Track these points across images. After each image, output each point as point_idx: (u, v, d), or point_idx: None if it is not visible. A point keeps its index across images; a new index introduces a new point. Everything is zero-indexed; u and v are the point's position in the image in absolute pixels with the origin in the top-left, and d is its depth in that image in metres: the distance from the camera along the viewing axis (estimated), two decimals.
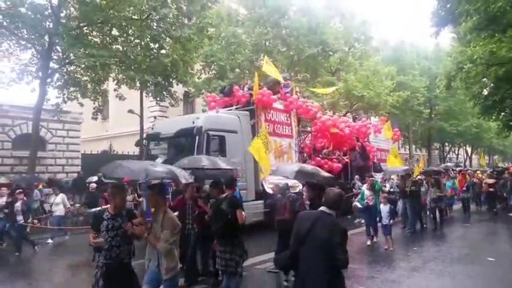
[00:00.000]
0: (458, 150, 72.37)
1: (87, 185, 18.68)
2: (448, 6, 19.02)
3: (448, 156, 66.69)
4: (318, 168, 11.37)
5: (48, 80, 20.48)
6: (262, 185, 15.70)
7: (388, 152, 22.01)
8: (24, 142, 23.36)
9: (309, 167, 10.94)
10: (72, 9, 21.57)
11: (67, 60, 21.12)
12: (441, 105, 48.50)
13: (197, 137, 14.00)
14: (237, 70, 29.99)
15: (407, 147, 53.60)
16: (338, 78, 34.04)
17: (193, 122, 14.47)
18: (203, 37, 24.47)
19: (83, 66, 20.37)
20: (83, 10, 19.96)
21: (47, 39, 19.59)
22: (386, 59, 42.38)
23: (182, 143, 14.80)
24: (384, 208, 12.91)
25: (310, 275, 4.41)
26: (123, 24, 21.02)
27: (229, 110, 16.81)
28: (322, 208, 4.69)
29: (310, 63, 32.57)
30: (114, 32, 21.91)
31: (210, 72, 30.15)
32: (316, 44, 31.37)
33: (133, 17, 21.34)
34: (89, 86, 22.61)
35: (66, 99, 22.29)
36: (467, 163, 62.89)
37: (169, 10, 20.94)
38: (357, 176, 19.39)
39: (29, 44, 19.86)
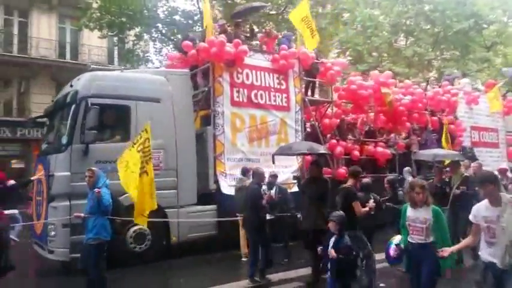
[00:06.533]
0: None
1: None
2: None
3: None
4: None
5: None
6: (216, 182, 8.92)
7: (495, 131, 13.55)
8: None
9: None
10: (216, 11, 20.08)
11: None
12: None
13: (73, 107, 7.65)
14: (374, 54, 23.60)
15: None
16: (495, 53, 25.41)
17: (71, 86, 8.10)
18: (338, 24, 21.60)
19: None
20: (226, 12, 18.47)
21: None
22: None
23: (60, 118, 8.38)
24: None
25: None
26: (262, 20, 19.23)
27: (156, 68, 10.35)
28: None
29: (459, 40, 23.97)
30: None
31: (346, 59, 26.02)
32: (467, 17, 22.76)
33: (271, 12, 19.58)
34: None
35: None
36: None
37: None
38: (407, 168, 9.87)
39: None
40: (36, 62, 20.23)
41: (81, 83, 7.92)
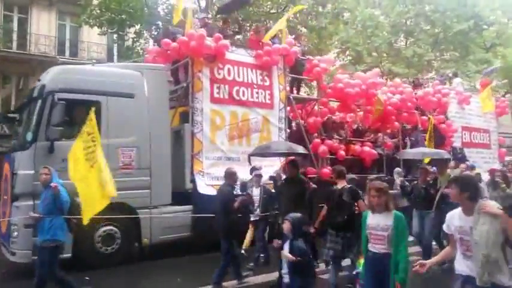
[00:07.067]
0: None
1: None
2: None
3: None
4: None
5: None
6: (193, 181, 8.32)
7: (487, 132, 12.83)
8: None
9: None
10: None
11: None
12: None
13: (39, 102, 7.18)
14: (374, 54, 23.06)
15: None
16: (494, 54, 24.33)
17: (40, 80, 7.66)
18: (338, 23, 21.33)
19: None
20: None
21: None
22: None
23: (28, 114, 7.74)
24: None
25: None
26: (262, 19, 19.01)
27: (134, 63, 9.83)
28: None
29: (459, 40, 23.70)
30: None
31: (345, 59, 24.17)
32: (467, 18, 22.47)
33: (271, 11, 19.41)
34: None
35: None
36: None
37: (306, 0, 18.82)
38: (397, 169, 9.43)
39: None
40: (35, 58, 19.82)
41: (48, 77, 7.41)
